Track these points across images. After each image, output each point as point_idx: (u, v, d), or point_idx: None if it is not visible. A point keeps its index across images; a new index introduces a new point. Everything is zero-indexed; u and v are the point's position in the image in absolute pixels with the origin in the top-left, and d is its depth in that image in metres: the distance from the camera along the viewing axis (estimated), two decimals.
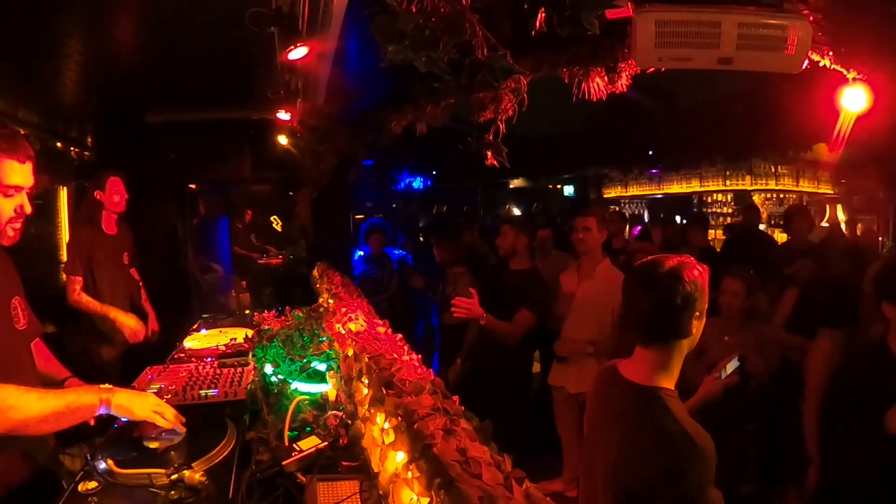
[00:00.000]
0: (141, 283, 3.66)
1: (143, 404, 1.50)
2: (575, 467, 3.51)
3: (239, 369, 2.20)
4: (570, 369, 3.34)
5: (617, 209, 9.24)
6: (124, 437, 1.59)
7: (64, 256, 4.78)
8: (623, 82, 2.41)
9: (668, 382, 1.46)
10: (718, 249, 5.96)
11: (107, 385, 1.50)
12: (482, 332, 3.44)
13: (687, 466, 1.31)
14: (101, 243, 3.36)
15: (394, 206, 11.28)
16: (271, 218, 7.53)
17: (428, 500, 1.01)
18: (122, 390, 1.51)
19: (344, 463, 1.56)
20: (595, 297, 3.19)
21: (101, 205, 3.32)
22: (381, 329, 2.14)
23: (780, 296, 3.47)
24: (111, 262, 3.39)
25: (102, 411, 1.45)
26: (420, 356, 1.74)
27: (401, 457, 1.19)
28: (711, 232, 8.59)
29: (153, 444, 1.53)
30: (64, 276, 3.34)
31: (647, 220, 9.68)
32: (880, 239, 6.22)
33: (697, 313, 1.43)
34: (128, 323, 3.18)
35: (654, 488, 1.33)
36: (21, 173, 1.54)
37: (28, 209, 1.59)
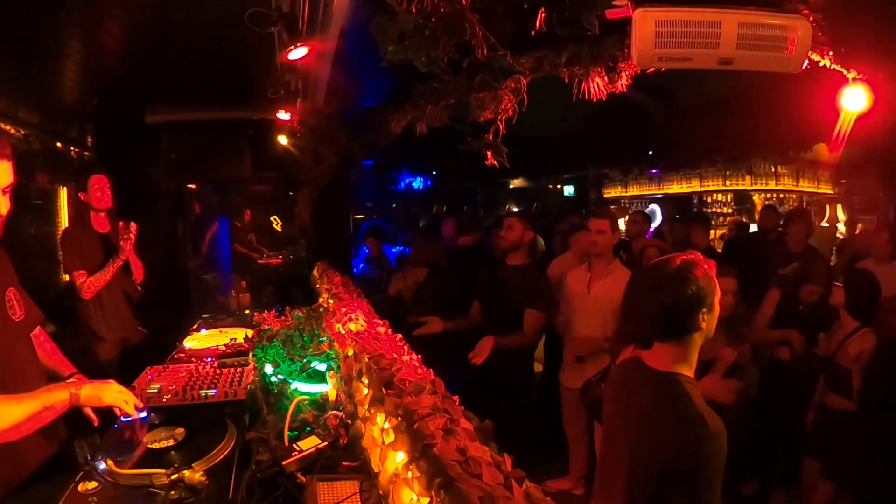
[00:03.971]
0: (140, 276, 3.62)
1: (109, 391, 1.58)
2: (582, 466, 3.51)
3: (239, 369, 2.20)
4: (587, 369, 3.30)
5: (634, 209, 9.22)
6: (124, 437, 1.59)
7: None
8: (623, 82, 2.40)
9: (688, 370, 1.54)
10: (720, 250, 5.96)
11: (72, 380, 1.58)
12: (482, 332, 3.44)
13: (699, 446, 1.38)
14: (92, 242, 3.34)
15: (394, 206, 11.27)
16: (271, 218, 7.53)
17: (428, 500, 1.01)
18: (87, 382, 1.58)
19: (344, 463, 1.56)
20: (613, 297, 3.16)
21: (86, 205, 3.33)
22: (381, 329, 2.14)
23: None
24: (104, 260, 3.39)
25: (74, 404, 1.52)
26: (420, 356, 1.74)
27: (401, 457, 1.19)
28: (712, 231, 8.61)
29: (153, 444, 1.53)
30: (66, 276, 3.34)
31: (659, 219, 9.60)
32: None
33: (705, 309, 1.49)
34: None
35: (668, 467, 1.40)
36: None
37: (3, 209, 1.56)
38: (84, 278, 3.20)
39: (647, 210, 10.16)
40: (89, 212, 3.34)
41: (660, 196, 9.86)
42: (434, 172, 11.48)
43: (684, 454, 1.39)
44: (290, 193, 5.93)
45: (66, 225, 4.76)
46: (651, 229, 7.09)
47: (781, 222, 4.80)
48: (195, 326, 3.14)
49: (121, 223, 3.31)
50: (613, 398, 1.74)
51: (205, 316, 3.41)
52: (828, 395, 2.84)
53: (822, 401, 2.90)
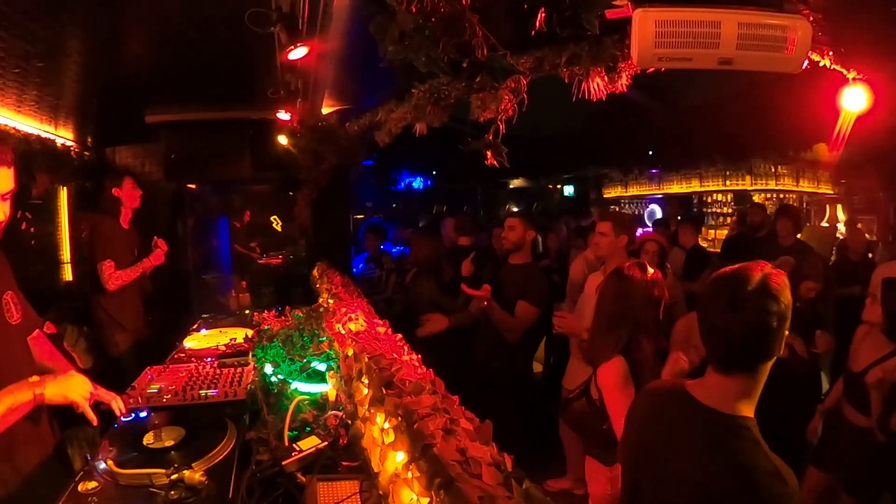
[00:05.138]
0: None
1: (72, 386, 1.53)
2: (580, 467, 3.51)
3: (239, 369, 2.20)
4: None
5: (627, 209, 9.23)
6: (124, 437, 1.59)
7: (64, 256, 4.79)
8: (623, 82, 2.40)
9: (751, 410, 1.31)
10: (720, 249, 5.97)
11: (35, 378, 1.51)
12: (482, 331, 3.44)
13: None
14: (119, 237, 3.54)
15: (394, 206, 11.28)
16: (271, 218, 7.53)
17: (428, 500, 1.01)
18: (50, 379, 1.52)
19: (344, 463, 1.56)
20: None
21: (119, 200, 3.54)
22: (381, 329, 2.14)
23: None
24: (127, 255, 3.55)
25: (39, 403, 1.48)
26: (420, 356, 1.74)
27: (401, 457, 1.19)
28: (712, 232, 8.62)
29: (153, 444, 1.53)
30: (98, 265, 3.43)
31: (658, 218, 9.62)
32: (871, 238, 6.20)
33: (787, 327, 1.27)
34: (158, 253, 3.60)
35: None
36: None
37: (2, 215, 1.57)
38: (112, 270, 3.38)
39: (647, 210, 10.18)
40: (120, 207, 3.55)
41: (660, 196, 9.86)
42: (434, 172, 11.49)
43: None
44: (290, 193, 5.93)
45: (68, 223, 4.79)
46: (650, 230, 7.09)
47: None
48: (195, 326, 3.14)
49: (155, 237, 3.67)
50: (648, 432, 1.48)
51: (205, 316, 3.41)
52: (847, 409, 2.63)
53: (837, 411, 2.70)
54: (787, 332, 1.26)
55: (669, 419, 1.41)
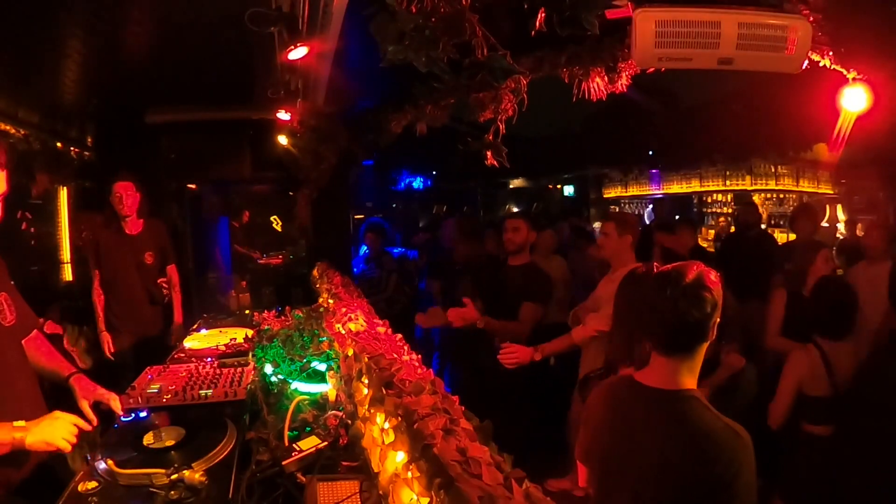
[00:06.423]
0: (174, 279, 3.80)
1: (61, 431, 1.47)
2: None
3: (239, 369, 2.20)
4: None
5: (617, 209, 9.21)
6: (124, 437, 1.59)
7: (64, 256, 4.81)
8: (623, 82, 2.40)
9: (693, 383, 1.43)
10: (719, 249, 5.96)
11: (20, 423, 1.46)
12: (483, 331, 3.44)
13: (740, 461, 1.30)
14: (120, 245, 3.56)
15: (394, 206, 11.27)
16: (271, 218, 7.53)
17: (428, 500, 1.01)
18: (34, 426, 1.47)
19: (344, 463, 1.56)
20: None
21: (114, 210, 3.55)
22: (381, 329, 2.14)
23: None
24: (128, 262, 3.58)
25: (17, 448, 1.43)
26: (420, 356, 1.74)
27: (401, 457, 1.19)
28: (712, 232, 8.61)
29: (153, 444, 1.53)
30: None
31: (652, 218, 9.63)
32: None
33: (718, 314, 1.41)
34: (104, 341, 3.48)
35: (708, 486, 1.30)
36: None
37: None
38: (96, 282, 3.49)
39: (647, 210, 10.18)
40: (118, 216, 3.56)
41: (660, 196, 9.87)
42: (434, 172, 11.48)
43: (726, 475, 1.29)
44: (290, 193, 5.93)
45: (68, 224, 4.81)
46: None
47: (772, 221, 4.83)
48: (195, 326, 3.14)
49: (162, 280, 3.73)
50: (607, 428, 1.55)
51: (205, 316, 3.42)
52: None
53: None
54: (718, 319, 1.40)
55: (625, 409, 1.50)
